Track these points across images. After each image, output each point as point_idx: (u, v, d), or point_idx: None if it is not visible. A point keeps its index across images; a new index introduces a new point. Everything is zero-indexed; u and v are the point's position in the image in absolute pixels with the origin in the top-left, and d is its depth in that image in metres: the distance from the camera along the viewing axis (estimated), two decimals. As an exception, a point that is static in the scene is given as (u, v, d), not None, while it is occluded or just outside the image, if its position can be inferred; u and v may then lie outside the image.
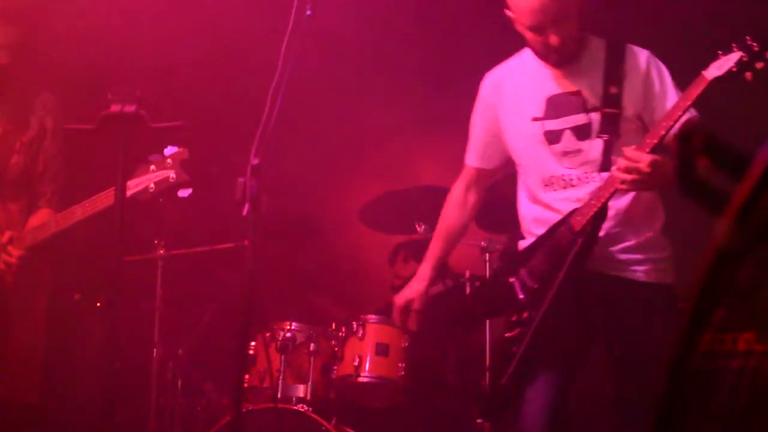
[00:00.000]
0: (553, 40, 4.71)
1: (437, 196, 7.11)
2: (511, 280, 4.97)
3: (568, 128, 4.83)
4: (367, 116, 8.38)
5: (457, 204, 5.45)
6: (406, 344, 6.55)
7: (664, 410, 2.14)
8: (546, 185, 4.93)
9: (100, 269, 6.89)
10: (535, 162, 4.97)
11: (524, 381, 4.80)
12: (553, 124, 4.86)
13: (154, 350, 6.90)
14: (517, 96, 5.00)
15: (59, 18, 6.79)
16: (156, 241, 6.97)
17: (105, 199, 5.33)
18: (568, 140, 4.84)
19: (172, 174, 5.13)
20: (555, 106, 4.87)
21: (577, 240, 4.67)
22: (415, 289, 5.40)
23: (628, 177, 4.46)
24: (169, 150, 5.10)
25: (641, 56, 4.85)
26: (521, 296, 4.88)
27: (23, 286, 5.82)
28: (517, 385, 4.82)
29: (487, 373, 6.19)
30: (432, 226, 6.81)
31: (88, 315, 7.53)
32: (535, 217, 5.03)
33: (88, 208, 5.41)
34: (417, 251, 7.96)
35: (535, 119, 4.90)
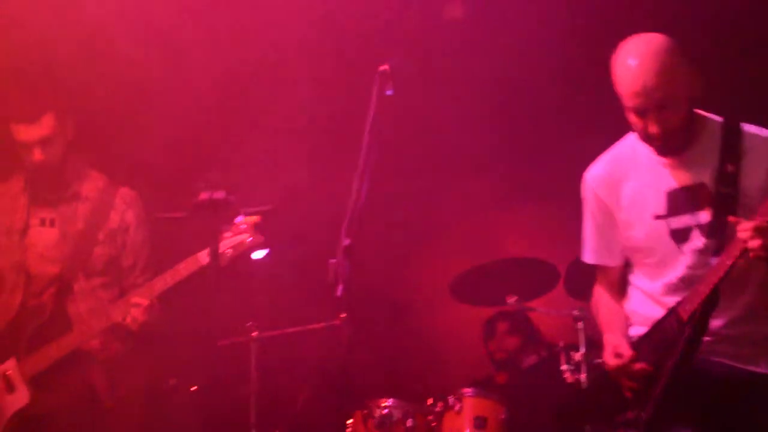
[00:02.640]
0: (653, 128, 4.42)
1: (525, 268, 7.14)
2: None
3: (695, 226, 4.53)
4: (449, 192, 8.41)
5: (600, 298, 5.03)
6: (504, 416, 6.50)
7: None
8: (668, 291, 4.64)
9: (194, 354, 6.98)
10: (662, 263, 4.64)
11: None
12: (679, 222, 4.57)
13: (252, 432, 6.90)
14: (634, 192, 4.69)
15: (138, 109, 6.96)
16: (248, 324, 7.00)
17: (184, 269, 5.46)
18: (697, 239, 4.52)
19: (247, 237, 5.27)
20: (677, 202, 4.58)
21: (685, 329, 4.39)
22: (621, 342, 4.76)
23: (756, 244, 4.13)
24: (239, 219, 5.23)
25: (761, 136, 4.55)
26: (628, 394, 4.63)
27: (120, 372, 5.87)
28: None
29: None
30: (522, 297, 6.82)
31: (184, 400, 7.57)
32: (650, 316, 4.71)
33: (168, 279, 5.52)
34: (519, 325, 7.95)
35: (658, 217, 4.61)
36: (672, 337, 4.45)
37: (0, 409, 5.60)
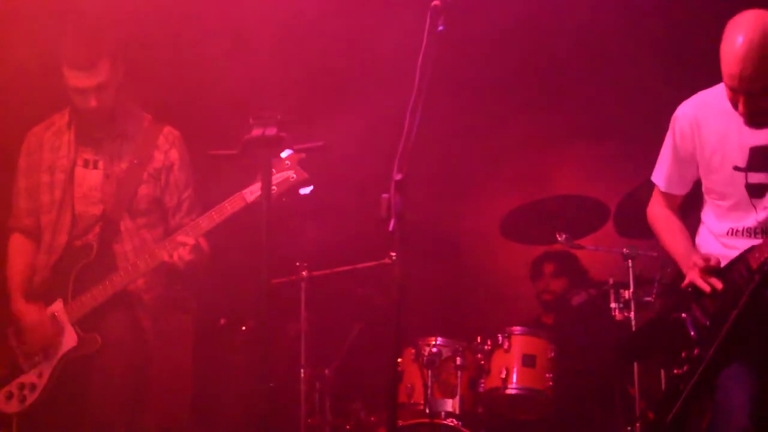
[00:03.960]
0: (741, 108, 4.56)
1: (575, 205, 7.11)
2: (683, 315, 4.83)
3: None
4: (501, 129, 8.38)
5: (667, 214, 5.17)
6: (553, 354, 6.52)
7: None
8: (732, 234, 4.81)
9: (244, 294, 7.01)
10: (732, 209, 4.81)
11: (690, 415, 4.70)
12: (757, 178, 4.70)
13: (302, 371, 6.94)
14: (719, 139, 4.80)
15: (200, 46, 6.96)
16: (298, 264, 7.02)
17: (229, 207, 5.44)
18: None
19: (292, 174, 5.22)
20: (759, 159, 4.69)
21: (754, 277, 4.54)
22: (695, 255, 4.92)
23: None
24: (286, 153, 5.12)
25: None
26: (692, 333, 4.75)
27: (167, 312, 5.88)
28: (682, 421, 4.71)
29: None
30: (572, 234, 6.81)
31: (234, 339, 7.62)
32: (712, 251, 4.87)
33: (214, 217, 5.48)
34: (566, 266, 7.94)
35: (737, 169, 4.74)
36: (740, 283, 4.59)
37: (49, 351, 5.62)
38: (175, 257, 5.51)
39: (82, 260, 5.67)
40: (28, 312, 5.67)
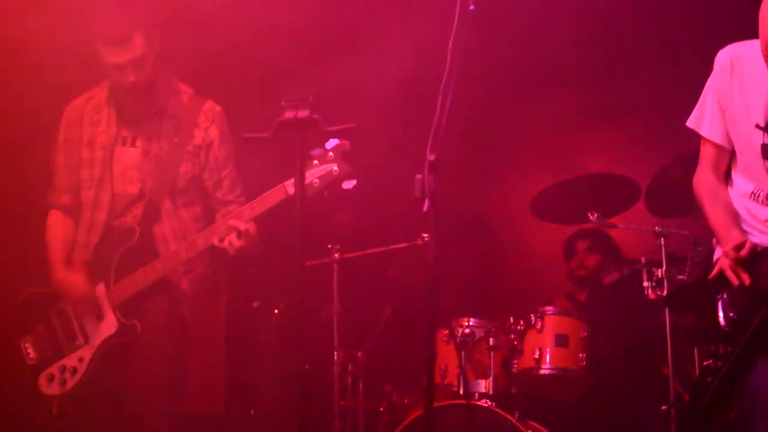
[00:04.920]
0: None
1: (607, 184, 7.10)
2: (718, 297, 4.69)
3: None
4: (532, 109, 8.36)
5: (713, 183, 4.89)
6: (586, 334, 6.51)
7: None
8: (751, 197, 4.70)
9: (277, 276, 7.02)
10: (748, 168, 4.72)
11: (720, 405, 4.69)
12: None
13: (335, 353, 6.95)
14: (746, 93, 4.65)
15: (227, 27, 6.95)
16: (330, 246, 7.02)
17: (271, 197, 5.35)
18: None
19: (335, 167, 5.10)
20: None
21: None
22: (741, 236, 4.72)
23: None
24: (330, 143, 5.04)
25: None
26: (723, 323, 4.64)
27: (203, 296, 5.87)
28: (712, 410, 4.68)
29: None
30: (603, 213, 6.78)
31: (267, 322, 7.63)
32: (739, 214, 4.77)
33: (256, 207, 5.41)
34: (600, 242, 7.93)
35: (758, 127, 4.59)
36: (763, 287, 4.49)
37: (90, 335, 5.64)
38: (225, 243, 5.44)
39: (125, 244, 5.65)
40: (68, 279, 5.69)
